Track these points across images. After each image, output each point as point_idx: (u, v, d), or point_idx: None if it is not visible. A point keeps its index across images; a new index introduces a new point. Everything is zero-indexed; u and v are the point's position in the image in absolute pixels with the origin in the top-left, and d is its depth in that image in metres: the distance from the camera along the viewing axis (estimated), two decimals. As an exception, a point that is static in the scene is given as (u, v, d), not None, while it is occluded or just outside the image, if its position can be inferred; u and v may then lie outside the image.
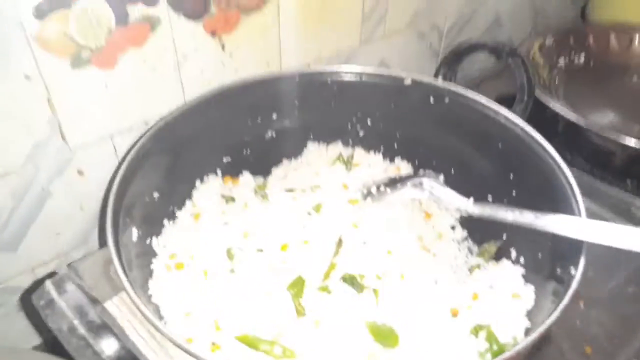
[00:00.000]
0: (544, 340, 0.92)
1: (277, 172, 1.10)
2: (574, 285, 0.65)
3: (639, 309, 0.98)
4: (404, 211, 0.95)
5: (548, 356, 0.90)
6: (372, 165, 1.08)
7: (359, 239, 0.86)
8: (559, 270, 0.77)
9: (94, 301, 0.63)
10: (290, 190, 0.96)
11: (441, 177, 0.98)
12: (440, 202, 0.91)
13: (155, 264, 0.86)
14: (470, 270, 0.92)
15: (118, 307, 0.67)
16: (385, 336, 0.74)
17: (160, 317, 0.79)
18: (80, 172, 1.04)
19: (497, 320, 0.78)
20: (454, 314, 0.80)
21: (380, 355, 0.73)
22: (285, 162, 1.12)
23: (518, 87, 0.99)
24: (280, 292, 0.80)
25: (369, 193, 0.96)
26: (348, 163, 1.07)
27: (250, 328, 0.77)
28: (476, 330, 0.76)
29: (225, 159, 1.06)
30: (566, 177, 0.82)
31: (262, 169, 1.10)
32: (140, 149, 0.86)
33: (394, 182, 0.98)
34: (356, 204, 0.93)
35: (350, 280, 0.80)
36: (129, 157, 0.84)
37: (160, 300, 0.81)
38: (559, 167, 0.84)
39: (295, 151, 1.14)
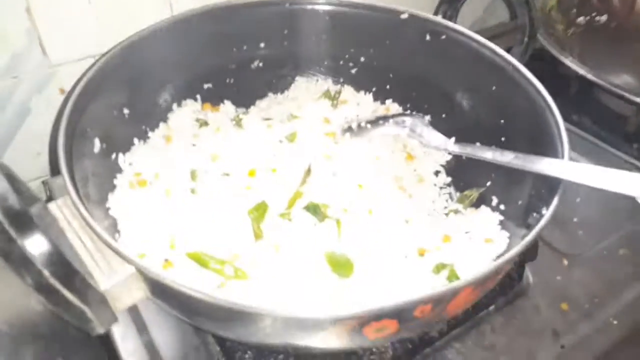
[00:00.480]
0: (519, 292, 0.88)
1: (260, 104, 1.05)
2: (542, 223, 0.61)
3: (627, 271, 0.92)
4: (384, 149, 0.90)
5: (523, 310, 0.86)
6: (361, 105, 1.03)
7: (330, 170, 0.82)
8: (534, 215, 0.72)
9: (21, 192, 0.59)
10: (267, 119, 0.91)
11: (427, 118, 0.93)
12: (421, 139, 0.86)
13: (119, 180, 0.83)
14: (447, 214, 0.88)
15: (60, 209, 0.64)
16: (340, 265, 0.70)
17: (116, 231, 0.77)
18: (62, 91, 1.02)
19: (463, 261, 0.73)
20: (421, 254, 0.76)
21: (334, 284, 0.70)
22: (270, 95, 1.08)
23: (518, 27, 0.92)
24: (241, 216, 0.77)
25: (349, 128, 0.92)
26: (334, 99, 1.02)
27: (205, 248, 0.74)
28: (438, 269, 0.72)
29: (207, 85, 1.02)
30: (556, 121, 0.76)
31: (245, 100, 1.05)
32: (111, 58, 0.83)
33: (377, 120, 0.93)
34: (332, 137, 0.88)
35: (313, 209, 0.77)
36: (97, 65, 0.80)
37: (118, 215, 0.78)
38: (551, 110, 0.78)
39: (282, 85, 1.09)
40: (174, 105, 0.98)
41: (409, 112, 0.99)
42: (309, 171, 0.82)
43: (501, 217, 0.83)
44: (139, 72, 0.87)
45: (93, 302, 0.55)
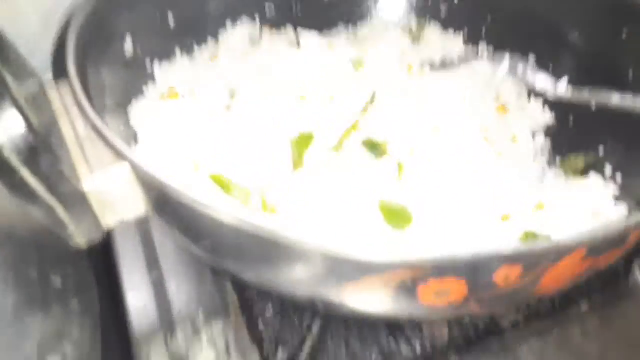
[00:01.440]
0: (624, 293, 0.68)
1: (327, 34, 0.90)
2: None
3: None
4: (472, 91, 0.72)
5: (626, 314, 0.67)
6: (448, 47, 0.85)
7: (399, 104, 0.65)
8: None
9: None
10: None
11: (531, 58, 0.74)
12: (524, 79, 0.67)
13: (149, 89, 0.71)
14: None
15: (60, 92, 0.52)
16: (395, 215, 0.54)
17: (134, 142, 0.65)
18: None
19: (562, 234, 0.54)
20: (504, 219, 0.58)
21: (384, 235, 0.53)
22: (340, 26, 0.92)
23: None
24: (281, 143, 0.62)
25: (430, 63, 0.74)
26: (416, 38, 0.84)
27: (233, 174, 0.60)
28: (527, 236, 0.54)
29: (268, 5, 0.88)
30: None
31: (310, 27, 0.90)
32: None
33: (467, 56, 0.75)
34: (409, 70, 0.71)
35: (371, 146, 0.60)
36: None
37: (139, 126, 0.66)
38: None
39: (356, 17, 0.93)
40: (228, 22, 0.85)
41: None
42: (372, 100, 0.65)
43: (615, 191, 0.63)
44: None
45: (68, 200, 0.42)
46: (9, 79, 0.42)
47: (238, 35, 0.83)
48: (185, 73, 0.74)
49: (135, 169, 0.44)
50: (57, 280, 0.50)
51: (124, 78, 0.68)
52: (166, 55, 0.77)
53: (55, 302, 0.48)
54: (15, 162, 0.39)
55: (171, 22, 0.77)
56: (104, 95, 0.63)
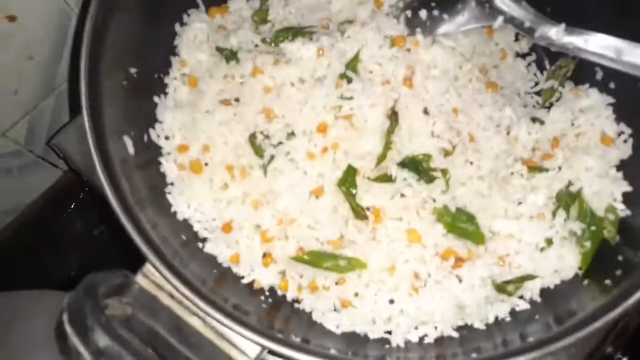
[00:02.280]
0: None
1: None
2: None
3: None
4: (465, 41, 0.72)
5: None
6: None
7: (417, 103, 0.67)
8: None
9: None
10: (308, 34, 0.70)
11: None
12: (521, 27, 0.68)
13: (166, 166, 0.69)
14: (543, 98, 0.76)
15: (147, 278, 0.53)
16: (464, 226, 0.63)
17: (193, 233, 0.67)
18: (11, 18, 0.77)
19: (585, 179, 0.66)
20: (531, 167, 0.68)
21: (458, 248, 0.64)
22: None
23: None
24: (330, 190, 0.66)
25: (416, 18, 0.71)
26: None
27: (302, 240, 0.66)
28: (567, 204, 0.65)
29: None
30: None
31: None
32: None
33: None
34: (403, 45, 0.69)
35: (414, 165, 0.65)
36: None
37: (183, 212, 0.67)
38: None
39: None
40: (176, 26, 0.75)
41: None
42: (394, 115, 0.66)
43: (611, 99, 0.71)
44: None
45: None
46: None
47: (195, 39, 0.75)
48: (183, 122, 0.71)
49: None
50: None
51: (142, 169, 0.65)
52: (149, 115, 0.71)
53: None
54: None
55: (134, 74, 0.68)
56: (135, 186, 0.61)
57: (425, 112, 0.67)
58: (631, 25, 0.64)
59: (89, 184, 0.87)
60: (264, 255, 0.67)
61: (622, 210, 0.65)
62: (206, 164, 0.69)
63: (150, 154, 0.68)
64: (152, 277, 0.53)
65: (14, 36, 0.77)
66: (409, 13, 0.72)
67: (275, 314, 0.63)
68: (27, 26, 0.77)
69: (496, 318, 0.63)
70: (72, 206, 1.14)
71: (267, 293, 0.66)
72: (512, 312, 0.63)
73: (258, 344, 0.50)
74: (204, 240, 0.67)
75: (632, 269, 0.57)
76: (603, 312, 0.53)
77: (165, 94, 0.73)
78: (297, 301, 0.66)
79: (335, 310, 0.64)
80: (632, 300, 0.52)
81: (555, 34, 0.65)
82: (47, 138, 0.95)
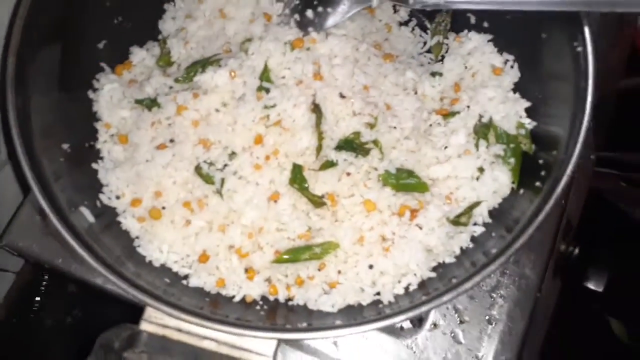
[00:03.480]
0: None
1: (166, 26, 0.85)
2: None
3: None
4: (353, 25, 0.80)
5: None
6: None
7: (332, 91, 0.74)
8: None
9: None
10: (216, 62, 0.75)
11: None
12: (396, 0, 0.76)
13: (126, 223, 0.72)
14: (435, 54, 0.85)
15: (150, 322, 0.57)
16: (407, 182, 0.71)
17: (174, 274, 0.70)
18: None
19: (491, 108, 0.75)
20: (444, 114, 0.77)
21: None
22: (168, 7, 0.86)
23: None
24: (284, 191, 0.71)
25: (304, 19, 0.78)
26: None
27: (275, 243, 0.71)
28: (484, 134, 0.74)
29: (101, 44, 0.79)
30: None
31: (145, 33, 0.84)
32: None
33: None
34: (302, 46, 0.75)
35: (348, 145, 0.72)
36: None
37: (158, 258, 0.70)
38: None
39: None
40: (90, 93, 0.78)
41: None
42: (317, 108, 0.73)
43: (490, 36, 0.81)
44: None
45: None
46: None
47: (112, 99, 0.78)
48: (129, 180, 0.74)
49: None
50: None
51: (103, 225, 0.68)
52: (93, 184, 0.73)
53: None
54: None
55: (67, 149, 0.71)
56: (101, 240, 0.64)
57: (342, 96, 0.73)
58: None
59: (52, 271, 0.87)
60: (246, 270, 0.71)
61: (529, 123, 0.75)
62: (163, 208, 0.72)
63: (109, 216, 0.71)
64: (155, 320, 0.56)
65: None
66: (297, 17, 0.79)
67: (274, 316, 0.67)
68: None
69: (461, 248, 0.71)
70: (36, 306, 1.12)
71: (260, 302, 0.70)
72: (473, 239, 0.71)
73: (272, 338, 0.55)
74: (186, 277, 0.70)
75: (551, 166, 0.66)
76: (541, 207, 0.62)
77: (101, 158, 0.76)
78: (290, 299, 0.71)
79: (325, 293, 0.69)
80: (559, 189, 0.61)
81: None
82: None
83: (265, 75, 0.73)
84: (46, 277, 1.09)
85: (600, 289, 0.91)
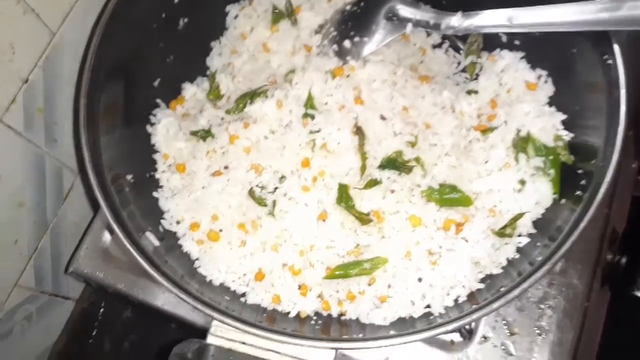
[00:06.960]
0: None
1: (214, 62, 0.91)
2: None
3: None
4: (389, 51, 0.84)
5: None
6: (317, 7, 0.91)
7: (372, 114, 0.78)
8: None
9: None
10: (263, 94, 0.80)
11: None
12: (427, 26, 0.80)
13: (187, 246, 0.77)
14: (469, 72, 0.88)
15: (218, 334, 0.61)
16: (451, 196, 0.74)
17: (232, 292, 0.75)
18: None
19: (528, 123, 0.78)
20: (483, 130, 0.79)
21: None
22: (214, 45, 0.92)
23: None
24: (332, 210, 0.75)
25: (343, 49, 0.83)
26: (290, 15, 0.89)
27: (326, 260, 0.74)
28: (523, 148, 0.76)
29: (156, 82, 0.86)
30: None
31: (194, 69, 0.90)
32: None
33: (359, 22, 0.83)
34: (342, 74, 0.80)
35: (391, 164, 0.75)
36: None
37: (218, 277, 0.75)
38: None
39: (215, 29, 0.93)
40: (148, 128, 0.84)
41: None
42: (359, 130, 0.77)
43: (522, 53, 0.84)
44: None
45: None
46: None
47: (167, 132, 0.84)
48: (187, 207, 0.79)
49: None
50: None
51: (168, 247, 0.73)
52: (155, 210, 0.79)
53: None
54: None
55: (131, 180, 0.77)
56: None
57: (382, 118, 0.77)
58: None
59: (112, 296, 0.92)
60: (299, 286, 0.75)
61: (567, 135, 0.77)
62: (220, 230, 0.77)
63: (170, 240, 0.76)
64: (221, 334, 0.60)
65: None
66: (335, 47, 0.84)
67: (328, 330, 0.71)
68: (9, 178, 0.82)
69: (507, 259, 0.73)
70: (95, 332, 1.18)
71: (314, 318, 0.74)
72: (518, 250, 0.73)
73: (331, 348, 0.58)
74: (243, 294, 0.75)
75: (591, 175, 0.68)
76: (583, 215, 0.64)
77: (161, 186, 0.81)
78: (343, 314, 0.74)
79: (376, 307, 0.72)
80: (599, 196, 0.63)
81: (456, 21, 0.77)
82: (53, 273, 1.00)
83: (309, 103, 0.78)
84: (103, 303, 1.15)
85: (649, 297, 0.91)
